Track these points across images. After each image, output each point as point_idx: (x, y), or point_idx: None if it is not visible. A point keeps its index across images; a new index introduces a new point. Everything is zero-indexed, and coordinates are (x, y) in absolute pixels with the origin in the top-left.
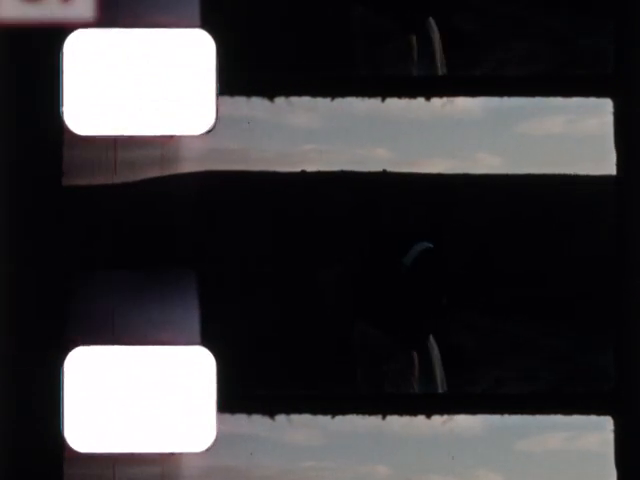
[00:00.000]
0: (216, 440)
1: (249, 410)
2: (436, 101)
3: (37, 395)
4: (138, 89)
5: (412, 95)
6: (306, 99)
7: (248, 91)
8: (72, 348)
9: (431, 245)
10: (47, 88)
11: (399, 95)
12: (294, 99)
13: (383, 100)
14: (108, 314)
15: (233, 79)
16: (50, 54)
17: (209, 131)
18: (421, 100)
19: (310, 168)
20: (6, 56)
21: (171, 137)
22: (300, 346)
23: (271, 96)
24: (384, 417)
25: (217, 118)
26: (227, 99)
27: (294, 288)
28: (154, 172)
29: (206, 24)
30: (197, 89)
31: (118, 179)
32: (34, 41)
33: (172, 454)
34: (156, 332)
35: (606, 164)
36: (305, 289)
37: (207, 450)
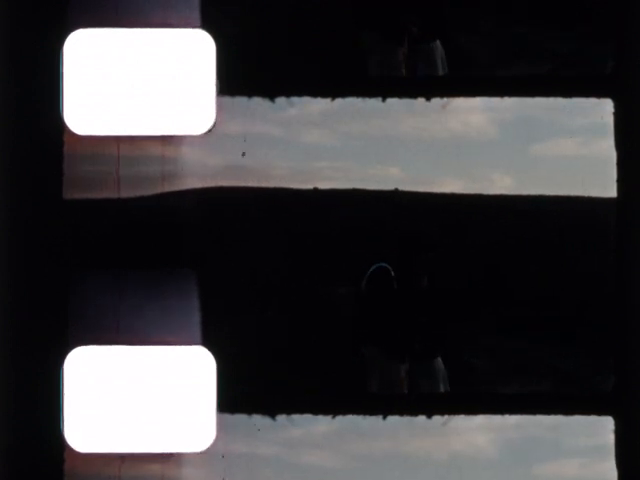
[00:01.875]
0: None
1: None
2: (450, 119)
3: (37, 395)
4: (138, 89)
5: (425, 114)
6: (307, 99)
7: (248, 91)
8: (72, 348)
9: (384, 265)
10: (47, 88)
11: (411, 113)
12: (295, 99)
13: (397, 119)
14: (108, 314)
15: (233, 79)
16: (50, 54)
17: (209, 131)
18: (434, 118)
19: (323, 186)
20: (6, 56)
21: (171, 137)
22: (301, 347)
23: (272, 96)
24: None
25: (217, 118)
26: (227, 99)
27: (301, 301)
28: (158, 188)
29: (206, 24)
30: (197, 89)
31: (123, 193)
32: (34, 41)
33: (172, 454)
34: (156, 332)
35: (612, 186)
36: (312, 302)
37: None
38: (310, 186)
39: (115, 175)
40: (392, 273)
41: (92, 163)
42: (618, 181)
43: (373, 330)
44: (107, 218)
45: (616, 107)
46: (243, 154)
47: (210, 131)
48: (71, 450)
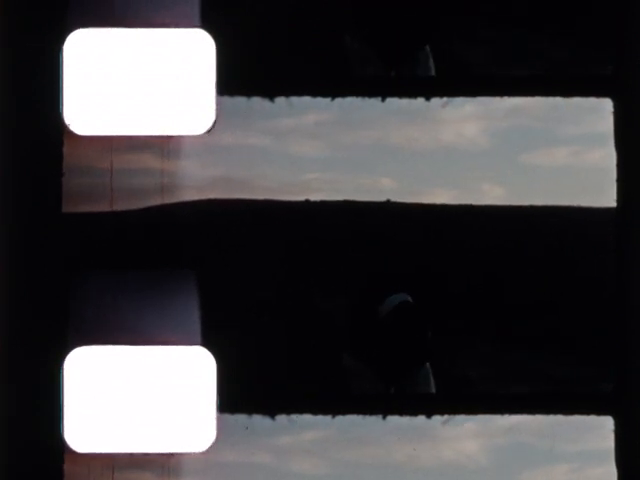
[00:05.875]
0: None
1: None
2: (442, 131)
3: (37, 395)
4: (138, 89)
5: (418, 123)
6: (307, 99)
7: (248, 91)
8: (72, 348)
9: (408, 298)
10: (47, 88)
11: (404, 123)
12: (294, 99)
13: (387, 129)
14: (108, 314)
15: (233, 79)
16: (50, 54)
17: (209, 131)
18: (427, 129)
19: (314, 197)
20: (6, 56)
21: (171, 137)
22: (299, 347)
23: (271, 96)
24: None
25: (217, 118)
26: (227, 99)
27: (296, 307)
28: (155, 200)
29: (206, 24)
30: (197, 89)
31: (118, 206)
32: (34, 41)
33: (172, 454)
34: (156, 332)
35: (610, 195)
36: (306, 309)
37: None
38: (301, 198)
39: (110, 184)
40: (414, 305)
41: (92, 164)
42: (618, 183)
43: (380, 347)
44: (107, 222)
45: (616, 108)
46: (234, 166)
47: (210, 131)
48: (71, 451)
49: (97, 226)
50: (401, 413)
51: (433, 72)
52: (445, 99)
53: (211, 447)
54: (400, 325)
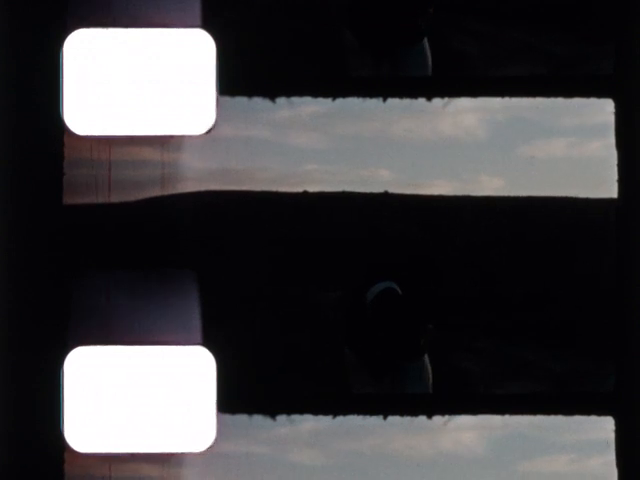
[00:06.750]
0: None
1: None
2: (440, 123)
3: (37, 395)
4: (138, 89)
5: (416, 116)
6: (308, 99)
7: (249, 91)
8: (72, 348)
9: (394, 286)
10: (47, 88)
11: (402, 114)
12: (295, 99)
13: (386, 121)
14: (108, 314)
15: (233, 79)
16: (50, 54)
17: (209, 131)
18: (425, 121)
19: (312, 188)
20: (6, 56)
21: (167, 141)
22: (300, 346)
23: (272, 96)
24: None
25: (217, 118)
26: (227, 99)
27: (295, 302)
28: (154, 192)
29: (206, 24)
30: (197, 89)
31: (116, 198)
32: (34, 41)
33: (172, 454)
34: (156, 332)
35: (608, 187)
36: (305, 303)
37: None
38: (299, 189)
39: (108, 178)
40: (399, 292)
41: (91, 164)
42: (619, 182)
43: (370, 338)
44: (106, 220)
45: (616, 107)
46: (232, 158)
47: (210, 131)
48: (71, 450)
49: (97, 220)
50: (401, 410)
51: (432, 68)
52: (446, 98)
53: (211, 446)
54: (384, 311)
